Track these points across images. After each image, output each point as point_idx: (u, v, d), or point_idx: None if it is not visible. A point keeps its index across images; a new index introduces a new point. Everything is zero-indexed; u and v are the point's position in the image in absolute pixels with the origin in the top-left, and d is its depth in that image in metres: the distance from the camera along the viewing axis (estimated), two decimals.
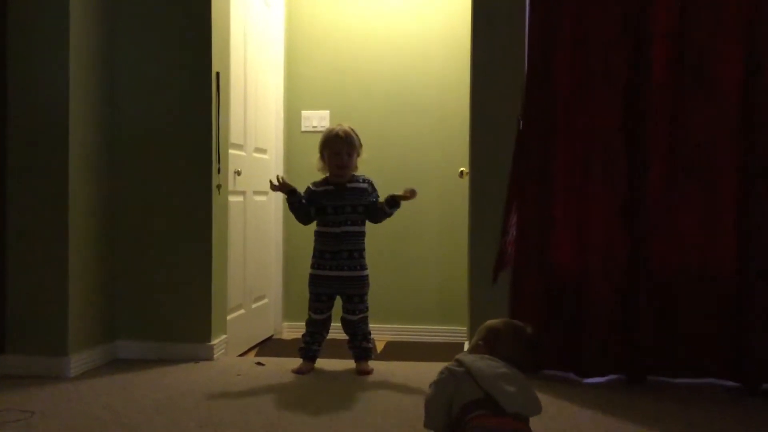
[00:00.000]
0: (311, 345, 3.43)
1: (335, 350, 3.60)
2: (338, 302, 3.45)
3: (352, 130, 3.43)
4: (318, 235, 3.43)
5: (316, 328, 3.43)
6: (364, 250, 3.43)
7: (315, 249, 3.44)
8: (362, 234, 3.43)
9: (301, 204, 3.40)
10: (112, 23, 3.56)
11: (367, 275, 3.43)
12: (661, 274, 3.19)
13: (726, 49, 3.14)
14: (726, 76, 3.14)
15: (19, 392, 2.96)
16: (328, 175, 3.43)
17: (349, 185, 3.40)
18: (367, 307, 3.43)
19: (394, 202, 3.38)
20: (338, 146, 3.37)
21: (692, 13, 3.16)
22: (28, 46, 3.26)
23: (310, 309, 3.44)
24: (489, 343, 2.25)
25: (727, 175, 3.16)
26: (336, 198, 3.38)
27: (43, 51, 3.25)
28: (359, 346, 3.42)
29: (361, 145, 3.44)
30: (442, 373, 2.17)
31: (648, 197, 3.18)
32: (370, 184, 3.45)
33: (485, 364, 2.12)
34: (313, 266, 3.44)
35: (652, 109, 3.17)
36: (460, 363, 2.15)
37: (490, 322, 2.34)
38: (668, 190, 3.19)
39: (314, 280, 3.43)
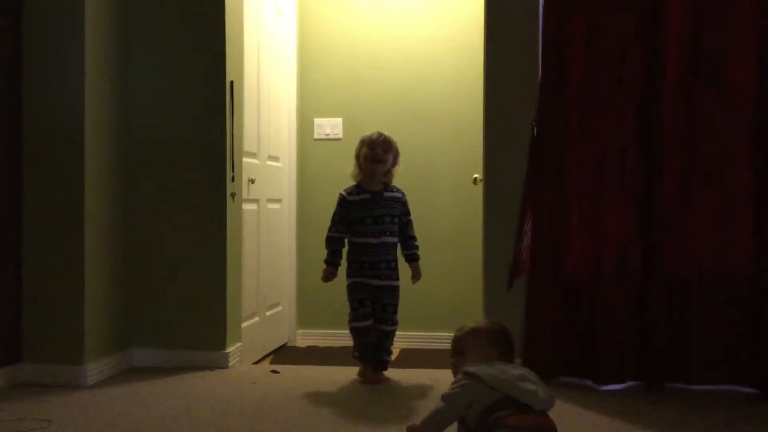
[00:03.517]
0: (365, 353, 3.36)
1: (349, 357, 3.59)
2: None
3: (391, 138, 3.43)
4: (354, 245, 3.37)
5: (369, 337, 3.33)
6: (398, 260, 3.41)
7: (351, 261, 3.37)
8: (397, 245, 3.41)
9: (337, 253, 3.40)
10: (127, 34, 3.58)
11: (399, 286, 3.41)
12: (678, 280, 3.17)
13: (740, 52, 3.13)
14: (740, 78, 3.13)
15: (35, 401, 2.97)
16: (360, 179, 3.39)
17: (386, 194, 3.37)
18: (398, 320, 3.39)
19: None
20: (374, 142, 3.35)
21: (705, 16, 3.15)
22: (43, 58, 3.28)
23: (355, 319, 3.33)
24: (481, 351, 2.20)
25: (744, 179, 3.14)
26: (374, 207, 3.34)
27: (58, 63, 3.27)
28: (380, 359, 3.37)
29: (398, 153, 3.41)
30: (453, 387, 2.14)
31: (663, 202, 3.16)
32: (404, 195, 3.44)
33: (497, 370, 2.10)
34: (350, 275, 3.37)
35: (666, 113, 3.16)
36: (469, 375, 2.11)
37: (460, 337, 2.27)
38: (684, 195, 3.17)
39: (355, 287, 3.34)
